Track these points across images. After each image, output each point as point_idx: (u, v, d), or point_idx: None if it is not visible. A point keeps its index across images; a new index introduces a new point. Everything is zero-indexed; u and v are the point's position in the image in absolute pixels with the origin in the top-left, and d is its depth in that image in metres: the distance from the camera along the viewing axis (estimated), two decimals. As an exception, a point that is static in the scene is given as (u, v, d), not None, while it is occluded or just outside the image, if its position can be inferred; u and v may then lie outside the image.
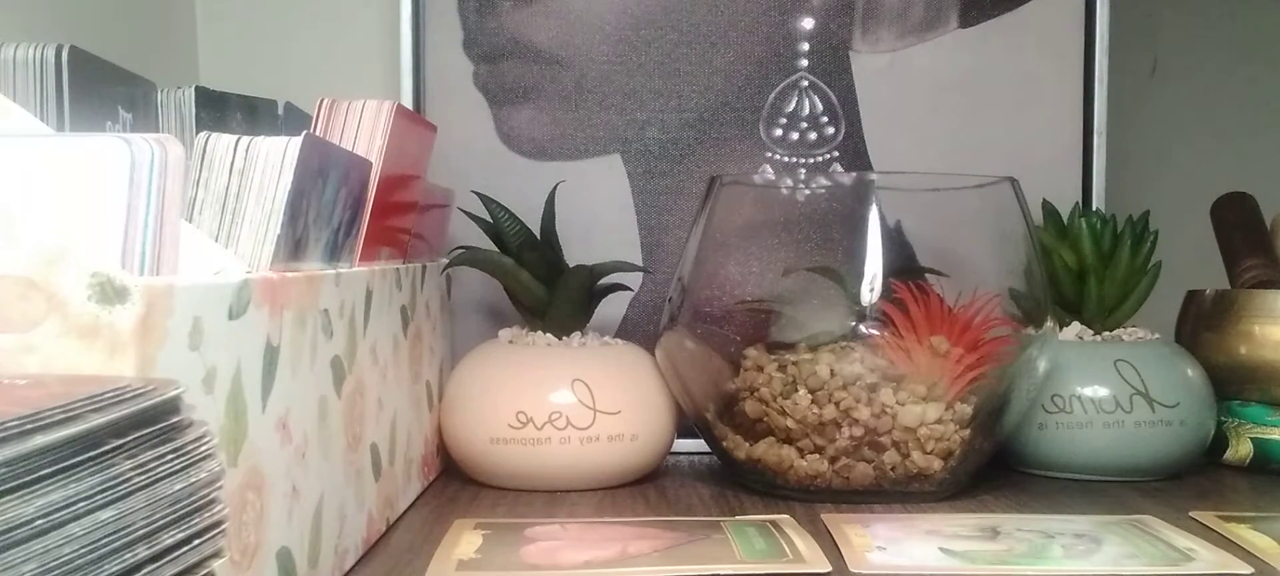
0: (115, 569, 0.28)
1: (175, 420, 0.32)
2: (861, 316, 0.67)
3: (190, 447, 0.32)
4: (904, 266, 0.71)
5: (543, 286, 0.73)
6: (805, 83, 0.85)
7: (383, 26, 0.91)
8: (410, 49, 0.83)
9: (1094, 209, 0.84)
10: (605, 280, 0.75)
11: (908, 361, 0.66)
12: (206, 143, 0.46)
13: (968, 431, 0.67)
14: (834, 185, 0.76)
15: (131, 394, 0.30)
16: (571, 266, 0.74)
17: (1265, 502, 0.69)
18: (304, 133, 0.47)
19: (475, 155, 0.84)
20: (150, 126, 0.56)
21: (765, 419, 0.68)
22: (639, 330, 0.83)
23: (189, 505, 0.31)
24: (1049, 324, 0.70)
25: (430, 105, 0.84)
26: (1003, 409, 0.69)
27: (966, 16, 0.85)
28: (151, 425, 0.30)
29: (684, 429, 0.74)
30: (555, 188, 0.76)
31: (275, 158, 0.46)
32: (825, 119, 0.85)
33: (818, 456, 0.67)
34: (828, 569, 0.53)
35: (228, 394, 0.39)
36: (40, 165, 0.36)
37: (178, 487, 0.31)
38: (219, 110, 0.62)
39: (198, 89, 0.60)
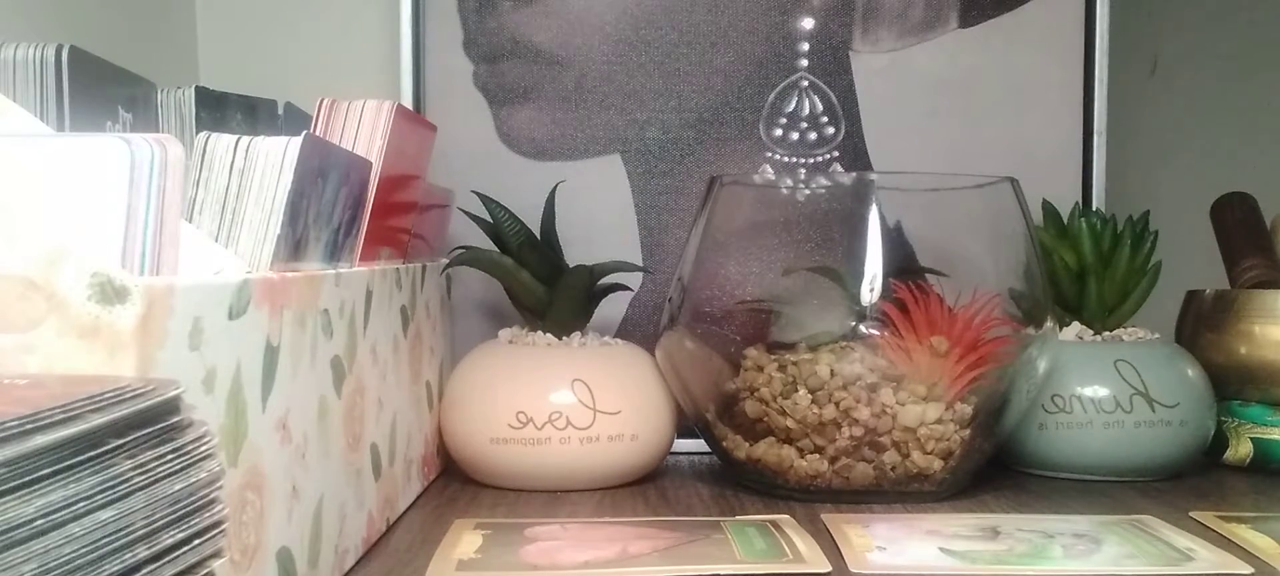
0: (115, 569, 0.28)
1: (175, 420, 0.32)
2: (861, 316, 0.67)
3: (190, 447, 0.32)
4: (904, 266, 0.71)
5: (543, 286, 0.73)
6: (805, 83, 0.85)
7: (383, 26, 0.91)
8: (410, 49, 0.84)
9: (1094, 209, 0.84)
10: (605, 280, 0.75)
11: (908, 361, 0.66)
12: (206, 143, 0.46)
13: (968, 431, 0.67)
14: (834, 185, 0.76)
15: (131, 394, 0.30)
16: (571, 266, 0.74)
17: (1265, 502, 0.69)
18: (304, 133, 0.47)
19: (475, 155, 0.84)
20: (150, 126, 0.56)
21: (765, 419, 0.68)
22: (639, 330, 0.83)
23: (189, 505, 0.31)
24: (1049, 324, 0.70)
25: (430, 105, 0.84)
26: (1003, 409, 0.69)
27: (966, 16, 0.85)
28: (151, 425, 0.30)
29: (684, 429, 0.74)
30: (555, 188, 0.77)
31: (275, 158, 0.46)
32: (825, 119, 0.85)
33: (818, 456, 0.67)
34: (828, 569, 0.53)
35: (228, 394, 0.39)
36: (40, 165, 0.36)
37: (178, 487, 0.31)
38: (219, 110, 0.62)
39: (198, 89, 0.60)
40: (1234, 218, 0.83)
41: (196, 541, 0.31)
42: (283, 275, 0.45)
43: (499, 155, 0.85)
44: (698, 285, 0.72)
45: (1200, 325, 0.80)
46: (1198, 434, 0.73)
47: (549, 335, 0.74)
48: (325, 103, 0.60)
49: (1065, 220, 0.79)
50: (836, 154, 0.85)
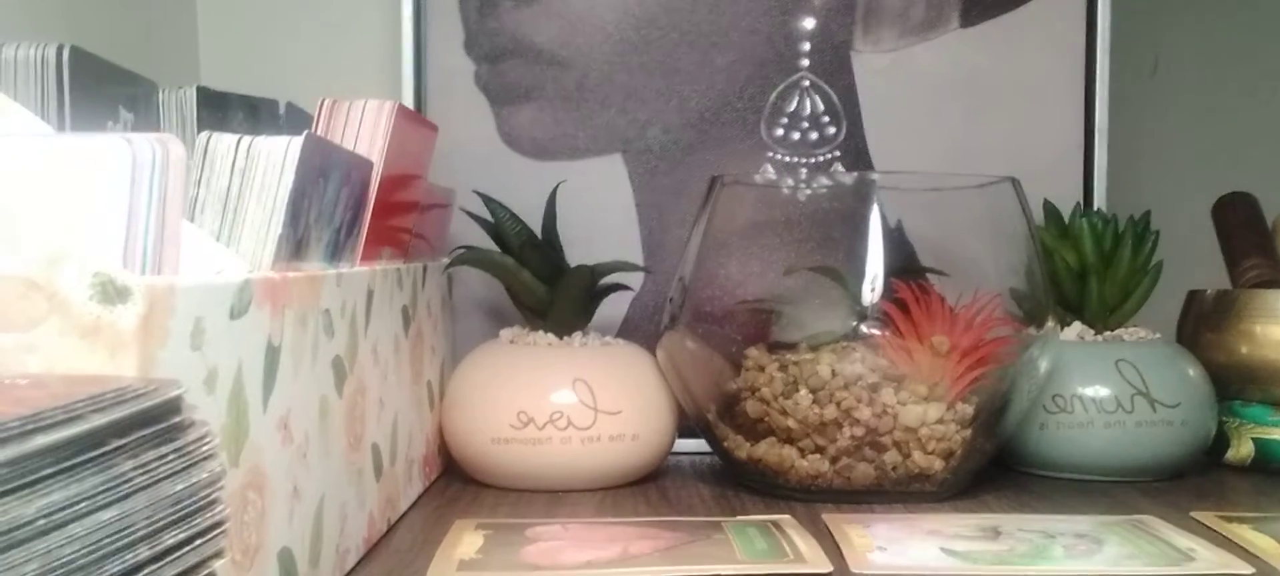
0: (117, 569, 0.28)
1: (177, 420, 0.32)
2: (862, 316, 0.67)
3: (192, 447, 0.32)
4: (905, 266, 0.71)
5: (544, 286, 0.73)
6: (806, 82, 0.85)
7: (384, 26, 0.91)
8: (411, 49, 0.84)
9: (1095, 209, 0.84)
10: (606, 280, 0.75)
11: (909, 361, 0.66)
12: (208, 142, 0.46)
13: (969, 431, 0.67)
14: (835, 185, 0.76)
15: (133, 394, 0.30)
16: (573, 266, 0.74)
17: (1266, 503, 0.68)
18: (305, 132, 0.47)
19: (476, 155, 0.84)
20: (151, 126, 0.56)
21: (766, 419, 0.68)
22: (640, 330, 0.83)
23: (190, 505, 0.31)
24: (1050, 324, 0.70)
25: (431, 105, 0.84)
26: (1004, 409, 0.69)
27: (968, 16, 0.85)
28: (153, 425, 0.30)
29: (685, 429, 0.74)
30: (556, 187, 0.77)
31: (277, 157, 0.46)
32: (826, 119, 0.85)
33: (819, 456, 0.67)
34: (829, 569, 0.53)
35: (229, 393, 0.39)
36: (41, 165, 0.36)
37: (179, 487, 0.31)
38: (220, 110, 0.62)
39: (199, 89, 0.60)
40: (1235, 217, 0.83)
41: (198, 541, 0.31)
42: (284, 275, 0.45)
43: (500, 155, 0.85)
44: (699, 285, 0.72)
45: (1201, 325, 0.80)
46: (1199, 434, 0.73)
47: (550, 335, 0.74)
48: (326, 103, 0.60)
49: (1066, 220, 0.79)
50: (838, 154, 0.85)
